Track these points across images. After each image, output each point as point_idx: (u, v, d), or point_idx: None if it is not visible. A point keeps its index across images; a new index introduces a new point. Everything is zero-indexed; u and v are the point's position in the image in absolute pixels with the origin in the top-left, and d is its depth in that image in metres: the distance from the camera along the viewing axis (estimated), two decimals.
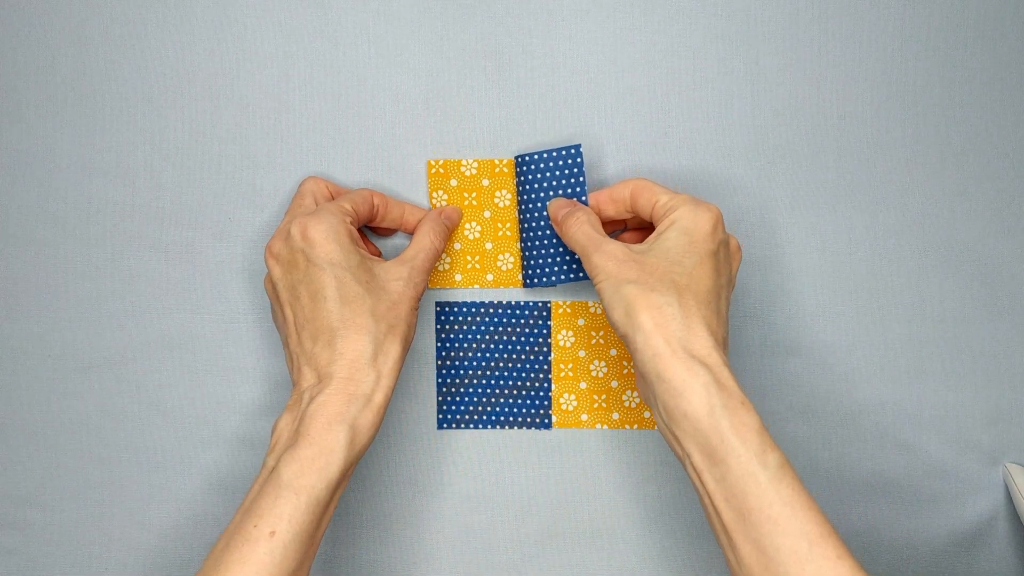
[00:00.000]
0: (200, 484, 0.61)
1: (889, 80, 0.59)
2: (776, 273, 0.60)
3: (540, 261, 0.59)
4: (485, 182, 0.60)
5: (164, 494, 0.61)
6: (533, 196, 0.59)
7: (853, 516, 0.60)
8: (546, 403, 0.61)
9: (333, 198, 0.58)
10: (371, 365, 0.51)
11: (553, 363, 0.61)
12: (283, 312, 0.54)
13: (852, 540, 0.60)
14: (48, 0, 0.60)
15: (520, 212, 0.59)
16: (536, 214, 0.59)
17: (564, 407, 0.61)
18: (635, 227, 0.59)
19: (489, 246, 0.60)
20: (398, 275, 0.54)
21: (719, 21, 0.59)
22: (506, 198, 0.60)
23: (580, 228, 0.54)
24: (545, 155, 0.58)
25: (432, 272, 0.60)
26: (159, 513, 0.62)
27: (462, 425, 0.61)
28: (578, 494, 0.61)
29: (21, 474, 0.62)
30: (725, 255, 0.52)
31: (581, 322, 0.60)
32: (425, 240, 0.57)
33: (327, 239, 0.52)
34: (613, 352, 0.60)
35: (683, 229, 0.51)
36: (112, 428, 0.61)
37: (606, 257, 0.51)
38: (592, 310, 0.60)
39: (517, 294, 0.61)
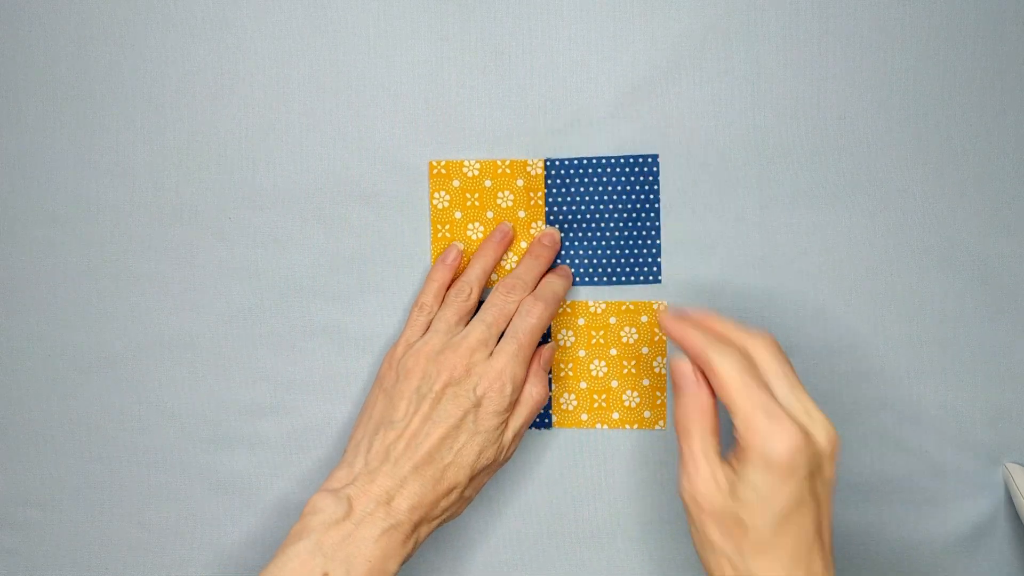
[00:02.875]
0: (200, 484, 0.61)
1: (889, 80, 0.59)
2: (776, 273, 0.60)
3: (571, 262, 0.60)
4: (487, 183, 0.60)
5: (164, 494, 0.61)
6: (588, 199, 0.60)
7: (853, 516, 0.60)
8: (546, 403, 0.61)
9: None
10: (428, 524, 0.52)
11: (553, 362, 0.61)
12: (400, 406, 0.54)
13: (852, 540, 0.60)
14: (48, 0, 0.60)
15: (560, 212, 0.60)
16: (584, 216, 0.60)
17: (564, 407, 0.61)
18: None
19: None
20: (506, 436, 0.54)
21: (719, 20, 0.59)
22: (508, 199, 0.60)
23: (688, 435, 0.48)
24: (623, 160, 0.59)
25: None
26: (159, 513, 0.62)
27: None
28: (578, 494, 0.61)
29: (21, 474, 0.62)
30: (812, 486, 0.46)
31: (581, 321, 0.60)
32: (529, 401, 0.56)
33: (496, 414, 0.53)
34: (613, 352, 0.60)
35: (758, 472, 0.45)
36: (112, 428, 0.61)
37: (695, 500, 0.47)
38: (592, 310, 0.60)
39: None
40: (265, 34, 0.60)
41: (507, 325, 0.56)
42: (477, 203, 0.60)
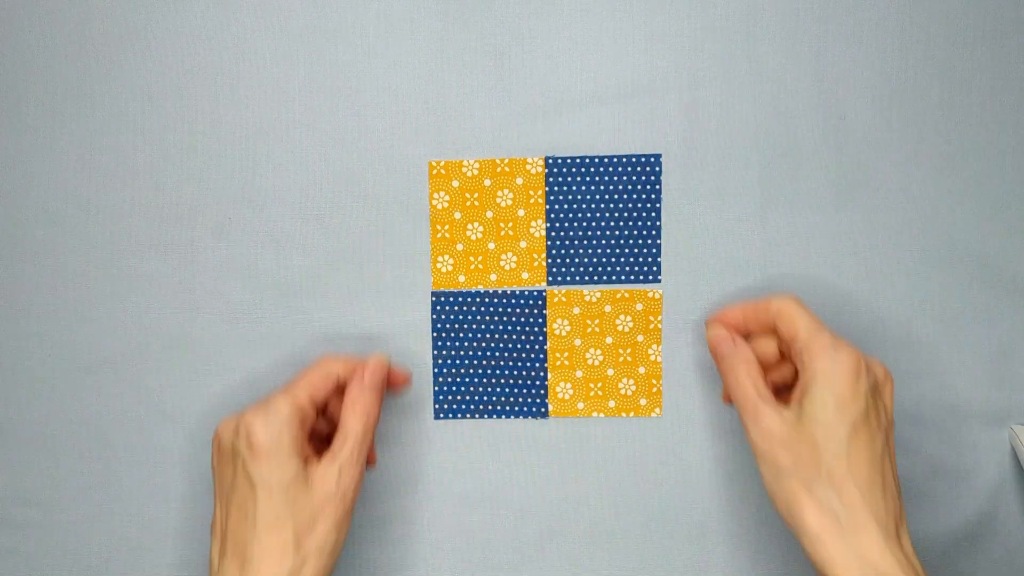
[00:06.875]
0: (200, 484, 0.61)
1: (889, 80, 0.59)
2: (776, 273, 0.60)
3: (571, 261, 0.60)
4: (487, 182, 0.60)
5: (164, 494, 0.61)
6: (590, 197, 0.60)
7: None
8: (542, 392, 0.61)
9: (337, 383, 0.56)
10: None
11: (549, 352, 0.61)
12: (216, 502, 0.54)
13: None
14: (48, 0, 0.60)
15: (560, 211, 0.60)
16: (584, 215, 0.60)
17: (560, 396, 0.61)
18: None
19: (492, 246, 0.60)
20: (328, 479, 0.52)
21: (719, 20, 0.59)
22: (508, 197, 0.60)
23: (740, 386, 0.51)
24: (625, 159, 0.59)
25: (435, 273, 0.60)
26: (159, 513, 0.62)
27: (459, 415, 0.61)
28: (578, 493, 0.61)
29: (21, 474, 0.62)
30: (875, 404, 0.49)
31: (576, 310, 0.61)
32: (349, 423, 0.53)
33: (269, 452, 0.51)
34: (608, 340, 0.61)
35: (826, 389, 0.48)
36: (112, 428, 0.61)
37: (763, 435, 0.49)
38: (587, 299, 0.60)
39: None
40: (265, 34, 0.60)
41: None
42: (476, 203, 0.60)
